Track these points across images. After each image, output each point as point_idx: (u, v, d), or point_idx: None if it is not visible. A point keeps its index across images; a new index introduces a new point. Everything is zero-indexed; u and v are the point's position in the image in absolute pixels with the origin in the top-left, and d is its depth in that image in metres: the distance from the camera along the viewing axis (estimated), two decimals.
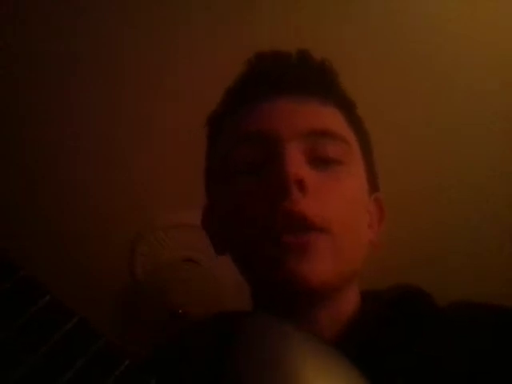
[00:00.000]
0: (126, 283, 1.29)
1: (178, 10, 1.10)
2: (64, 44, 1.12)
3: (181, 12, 1.10)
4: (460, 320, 0.51)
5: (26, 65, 1.14)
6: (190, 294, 1.23)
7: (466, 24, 1.11)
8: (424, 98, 1.17)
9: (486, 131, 1.18)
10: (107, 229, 1.24)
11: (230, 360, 0.37)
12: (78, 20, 1.10)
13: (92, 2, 1.10)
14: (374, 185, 0.62)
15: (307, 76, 0.59)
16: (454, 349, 0.47)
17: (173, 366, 0.43)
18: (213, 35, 1.11)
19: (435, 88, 1.16)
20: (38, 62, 1.13)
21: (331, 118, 0.58)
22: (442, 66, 1.14)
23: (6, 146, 1.16)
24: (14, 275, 0.32)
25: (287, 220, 0.50)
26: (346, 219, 0.53)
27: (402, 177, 1.19)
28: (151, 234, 1.28)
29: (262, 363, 0.37)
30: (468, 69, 1.14)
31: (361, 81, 1.09)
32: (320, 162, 0.54)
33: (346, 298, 0.55)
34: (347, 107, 0.61)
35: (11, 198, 1.18)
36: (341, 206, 0.53)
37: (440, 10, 1.10)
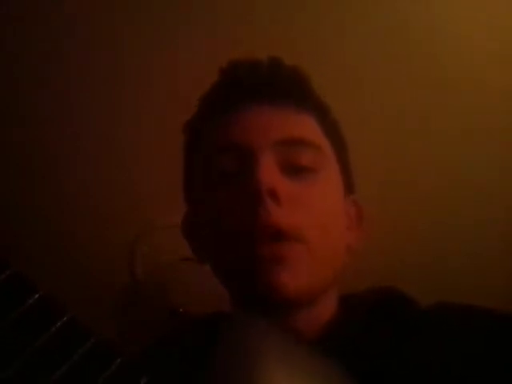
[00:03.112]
0: (125, 283, 1.29)
1: (178, 10, 1.10)
2: (64, 44, 1.12)
3: (181, 12, 1.10)
4: (443, 324, 0.51)
5: (25, 65, 1.13)
6: (190, 293, 1.23)
7: (467, 25, 1.11)
8: (424, 99, 1.17)
9: (487, 131, 1.18)
10: (107, 229, 1.24)
11: (212, 359, 0.38)
12: (78, 20, 1.10)
13: (92, 1, 1.10)
14: (349, 187, 0.62)
15: (279, 83, 0.59)
16: (438, 353, 0.47)
17: (163, 364, 0.43)
18: (213, 35, 1.11)
19: (435, 89, 1.16)
20: (38, 62, 1.13)
21: (304, 126, 0.58)
22: (443, 66, 1.15)
23: (6, 146, 1.16)
24: (3, 272, 0.32)
25: (262, 231, 0.50)
26: (320, 226, 0.53)
27: (402, 177, 1.19)
28: (151, 234, 1.27)
29: (239, 363, 0.37)
30: (469, 69, 1.15)
31: (361, 81, 1.10)
32: (294, 169, 0.54)
33: (324, 303, 0.55)
34: (322, 112, 0.61)
35: (11, 198, 1.18)
36: (315, 212, 0.53)
37: (441, 10, 1.10)
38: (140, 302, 1.27)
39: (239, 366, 0.37)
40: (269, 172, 0.52)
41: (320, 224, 0.53)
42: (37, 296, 0.32)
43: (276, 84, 0.59)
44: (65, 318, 0.32)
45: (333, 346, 0.41)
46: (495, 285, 1.16)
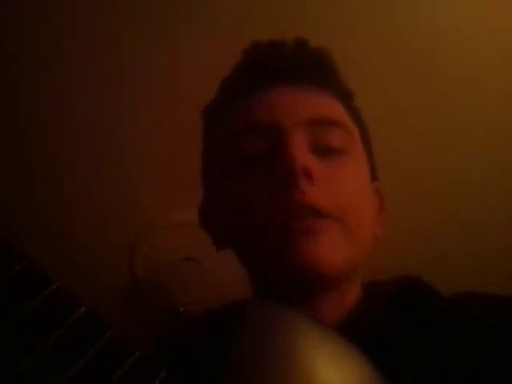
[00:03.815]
0: (126, 283, 1.29)
1: (178, 10, 1.10)
2: (64, 44, 1.12)
3: (181, 12, 1.10)
4: (465, 314, 0.50)
5: (25, 65, 1.13)
6: (190, 293, 1.23)
7: (467, 24, 1.11)
8: (425, 98, 1.17)
9: (487, 131, 1.18)
10: (107, 229, 1.24)
11: (234, 347, 0.37)
12: (77, 20, 1.10)
13: (92, 1, 1.10)
14: (373, 174, 0.61)
15: (304, 64, 0.58)
16: (458, 345, 0.46)
17: (175, 359, 0.43)
18: (213, 35, 1.11)
19: (435, 89, 1.16)
20: (38, 61, 1.13)
21: (331, 107, 0.56)
22: (443, 66, 1.14)
23: (6, 146, 1.16)
24: (18, 263, 0.32)
25: (297, 210, 0.49)
26: (355, 207, 0.52)
27: (403, 177, 1.19)
28: (151, 234, 1.27)
29: (269, 349, 0.36)
30: (469, 69, 1.14)
31: (362, 80, 1.09)
32: (323, 150, 0.53)
33: (350, 290, 0.54)
34: (346, 97, 0.60)
35: (11, 198, 1.17)
36: (349, 194, 0.52)
37: (441, 10, 1.10)
38: (140, 302, 1.27)
39: (270, 360, 0.36)
40: (301, 152, 0.50)
41: (354, 205, 0.52)
42: (53, 287, 0.32)
43: (300, 65, 0.57)
44: (82, 309, 0.32)
45: (354, 335, 0.40)
46: (495, 285, 1.15)
